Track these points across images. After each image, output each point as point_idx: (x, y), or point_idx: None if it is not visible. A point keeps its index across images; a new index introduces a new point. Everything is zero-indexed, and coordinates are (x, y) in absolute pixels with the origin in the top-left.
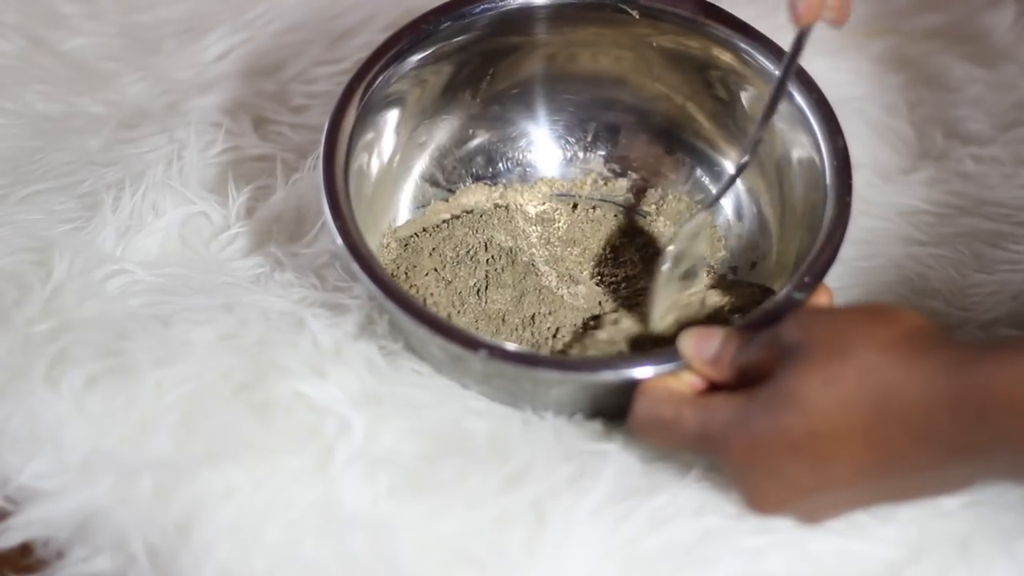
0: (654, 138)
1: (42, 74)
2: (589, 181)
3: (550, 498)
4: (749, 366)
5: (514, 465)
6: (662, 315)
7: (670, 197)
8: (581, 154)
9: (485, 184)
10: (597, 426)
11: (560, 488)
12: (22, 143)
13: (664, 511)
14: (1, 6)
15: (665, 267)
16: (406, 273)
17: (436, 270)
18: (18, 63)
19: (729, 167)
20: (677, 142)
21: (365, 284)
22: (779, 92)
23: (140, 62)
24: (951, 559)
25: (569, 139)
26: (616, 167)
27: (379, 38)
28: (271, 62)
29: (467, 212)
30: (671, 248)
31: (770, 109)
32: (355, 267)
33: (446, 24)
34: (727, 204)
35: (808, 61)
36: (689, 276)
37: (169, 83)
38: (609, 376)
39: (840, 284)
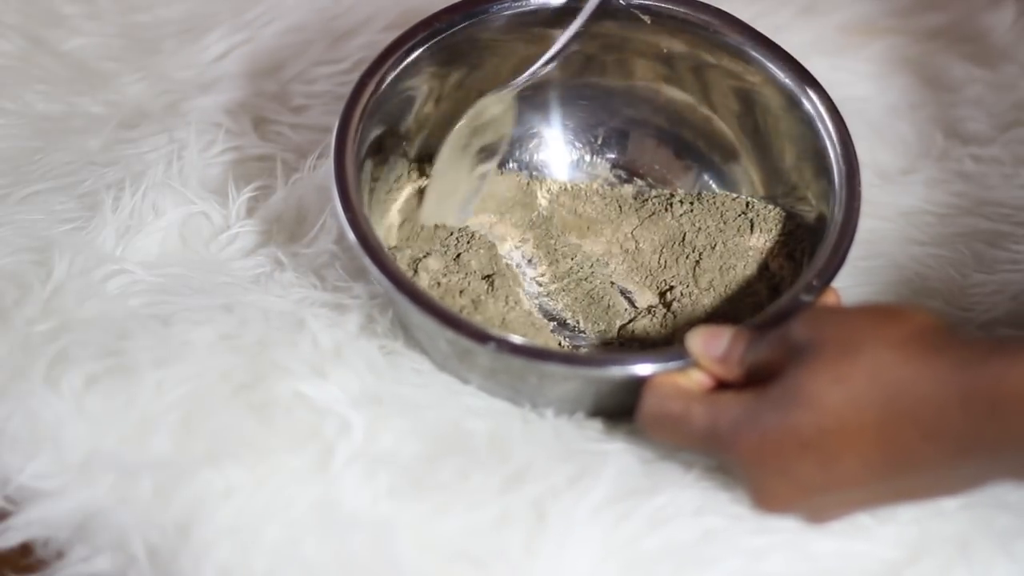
0: (662, 143)
1: (42, 74)
2: (595, 186)
3: (550, 498)
4: (758, 365)
5: (514, 465)
6: (441, 198)
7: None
8: (588, 157)
9: None
10: (597, 426)
11: (560, 488)
12: (22, 143)
13: (664, 511)
14: (1, 6)
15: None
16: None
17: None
18: (18, 63)
19: (738, 172)
20: (685, 147)
21: (375, 276)
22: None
23: (140, 62)
24: (951, 559)
25: (577, 143)
26: (623, 173)
27: (379, 38)
28: (271, 62)
29: None
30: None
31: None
32: (365, 260)
33: (459, 23)
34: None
35: (808, 61)
36: (485, 153)
37: (169, 83)
38: (616, 372)
39: (840, 284)
